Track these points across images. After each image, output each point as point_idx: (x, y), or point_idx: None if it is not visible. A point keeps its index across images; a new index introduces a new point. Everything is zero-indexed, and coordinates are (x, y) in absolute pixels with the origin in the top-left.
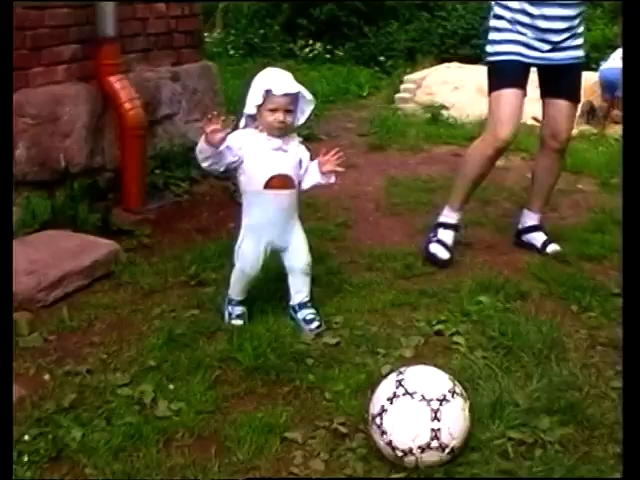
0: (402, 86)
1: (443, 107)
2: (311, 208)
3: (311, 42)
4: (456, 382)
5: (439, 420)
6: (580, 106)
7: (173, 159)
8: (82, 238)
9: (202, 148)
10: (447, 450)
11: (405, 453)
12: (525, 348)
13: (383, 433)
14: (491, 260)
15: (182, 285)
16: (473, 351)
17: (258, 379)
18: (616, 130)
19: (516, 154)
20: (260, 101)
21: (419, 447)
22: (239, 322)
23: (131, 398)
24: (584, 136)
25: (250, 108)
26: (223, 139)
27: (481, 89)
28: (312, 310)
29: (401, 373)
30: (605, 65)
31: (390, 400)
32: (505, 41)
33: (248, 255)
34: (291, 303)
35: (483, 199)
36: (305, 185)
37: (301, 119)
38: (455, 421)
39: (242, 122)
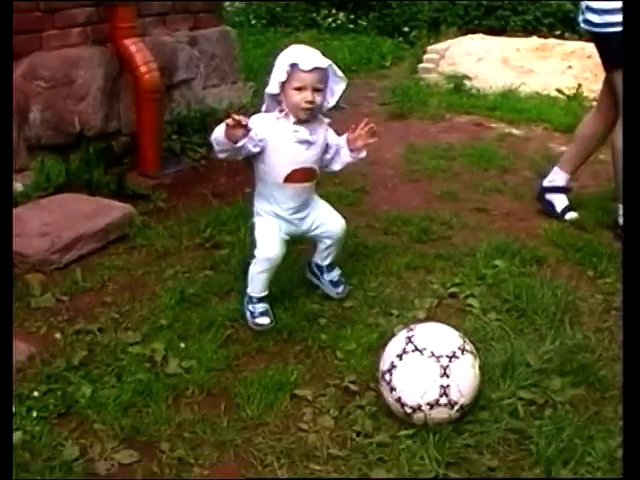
0: (425, 56)
1: (466, 77)
2: (329, 174)
3: (334, 12)
4: (466, 339)
5: (448, 377)
6: None
7: (190, 124)
8: (97, 201)
9: (219, 140)
10: (456, 407)
11: (414, 410)
12: (539, 311)
13: (392, 389)
14: (508, 226)
15: (196, 247)
16: (486, 313)
17: (270, 338)
18: None
19: (538, 124)
20: (284, 77)
21: (428, 404)
22: (265, 320)
23: (142, 356)
24: None
25: (273, 87)
26: (243, 136)
27: (506, 60)
28: (340, 272)
29: (411, 330)
30: None
31: (400, 356)
32: (618, 10)
33: (269, 240)
34: (318, 263)
35: (503, 167)
36: (335, 167)
37: (331, 101)
38: (464, 378)
39: (264, 105)
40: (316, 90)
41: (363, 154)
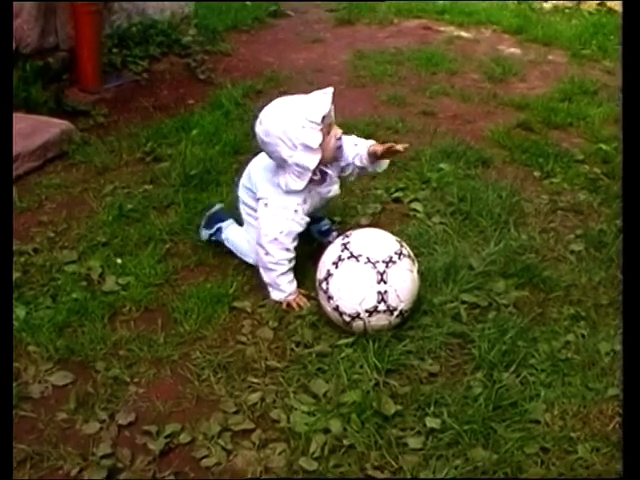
0: None
1: None
2: (273, 82)
3: None
4: (403, 243)
5: (386, 282)
6: None
7: (131, 37)
8: (34, 119)
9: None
10: (395, 313)
11: (352, 317)
12: (483, 213)
13: (330, 298)
14: (455, 129)
15: (137, 162)
16: (431, 217)
17: (210, 250)
18: (591, 4)
19: (487, 26)
20: (321, 137)
21: (366, 311)
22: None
23: (78, 275)
24: (558, 9)
25: (313, 159)
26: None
27: None
28: (327, 221)
29: (347, 236)
30: None
31: (335, 264)
32: None
33: None
34: None
35: (451, 70)
36: (353, 178)
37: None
38: (403, 283)
39: (302, 181)
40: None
41: (383, 166)
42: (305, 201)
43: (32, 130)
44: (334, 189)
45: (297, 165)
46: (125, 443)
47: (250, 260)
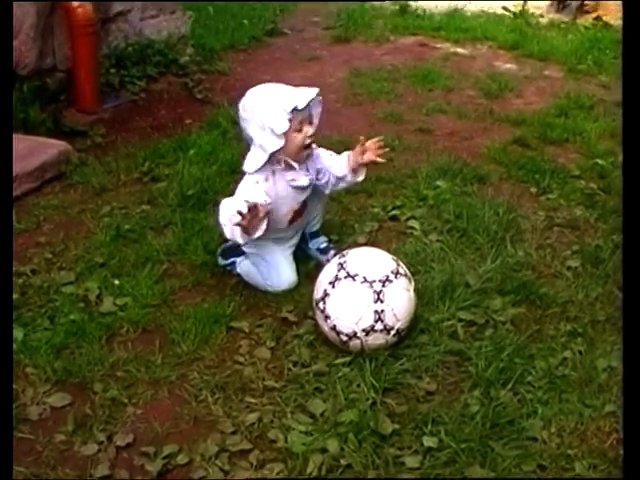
0: None
1: None
2: None
3: None
4: (400, 262)
5: (382, 301)
6: None
7: (129, 57)
8: (32, 140)
9: (238, 239)
10: (392, 332)
11: (349, 337)
12: (480, 230)
13: (327, 318)
14: (451, 146)
15: (134, 182)
16: (427, 235)
17: (207, 271)
18: (587, 19)
19: (484, 43)
20: (287, 125)
21: (363, 330)
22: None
23: (75, 296)
24: (554, 24)
25: (275, 142)
26: (262, 221)
27: None
28: (325, 238)
29: (343, 256)
30: None
31: (332, 284)
32: None
33: (283, 271)
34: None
35: (447, 87)
36: (328, 190)
37: (315, 120)
38: (399, 302)
39: (259, 163)
40: (309, 122)
41: (361, 176)
42: (267, 179)
43: (30, 151)
44: (299, 179)
45: (260, 146)
46: (123, 464)
47: (268, 288)
